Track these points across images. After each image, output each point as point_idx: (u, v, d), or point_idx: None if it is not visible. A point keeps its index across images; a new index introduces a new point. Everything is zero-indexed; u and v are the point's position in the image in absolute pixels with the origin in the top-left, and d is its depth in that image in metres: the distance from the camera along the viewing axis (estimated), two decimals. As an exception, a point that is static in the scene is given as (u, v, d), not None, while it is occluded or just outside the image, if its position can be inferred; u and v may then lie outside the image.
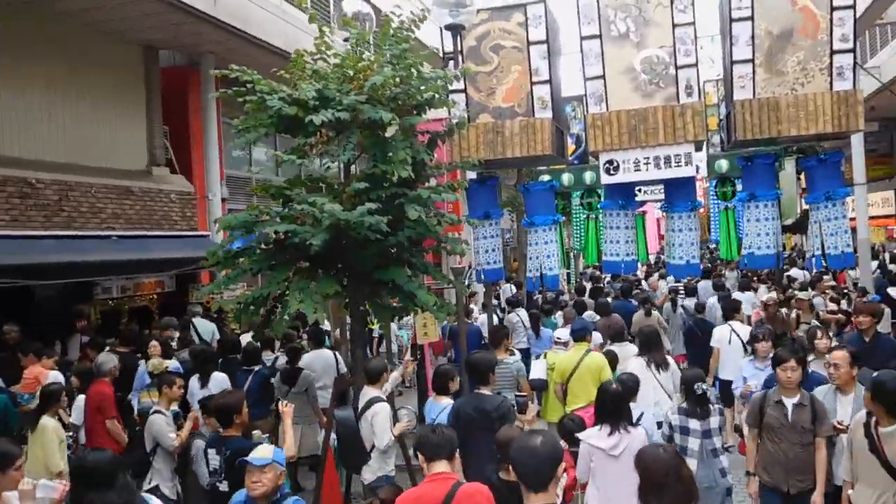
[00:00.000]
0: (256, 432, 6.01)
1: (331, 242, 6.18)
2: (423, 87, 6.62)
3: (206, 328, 10.76)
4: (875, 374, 4.87)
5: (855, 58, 8.06)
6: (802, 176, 20.03)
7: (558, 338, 8.37)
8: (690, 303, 12.10)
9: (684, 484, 3.13)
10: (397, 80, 6.65)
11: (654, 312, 11.06)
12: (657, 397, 6.85)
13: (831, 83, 8.05)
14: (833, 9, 7.98)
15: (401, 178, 6.28)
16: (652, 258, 19.54)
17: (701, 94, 8.69)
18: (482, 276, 9.68)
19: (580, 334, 7.73)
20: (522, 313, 11.60)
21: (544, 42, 8.74)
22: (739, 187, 13.78)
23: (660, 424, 5.93)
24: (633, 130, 8.50)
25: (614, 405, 5.02)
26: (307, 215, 6.16)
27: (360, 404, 6.25)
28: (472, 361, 6.13)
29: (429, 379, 8.83)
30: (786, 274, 14.06)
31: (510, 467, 4.06)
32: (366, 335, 12.29)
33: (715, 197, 13.80)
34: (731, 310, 9.35)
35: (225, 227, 6.49)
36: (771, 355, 6.34)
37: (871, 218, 18.71)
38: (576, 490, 5.24)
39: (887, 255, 20.64)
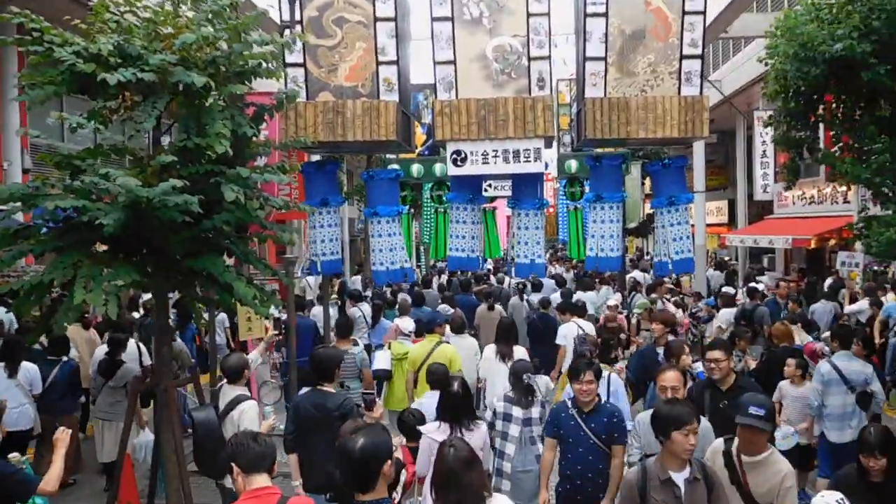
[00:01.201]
0: (14, 455, 5.01)
1: (130, 223, 5.30)
2: (246, 53, 5.82)
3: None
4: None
5: (703, 64, 8.04)
6: (647, 181, 20.86)
7: (404, 329, 8.50)
8: (536, 298, 12.41)
9: (461, 490, 3.22)
10: (221, 42, 5.84)
11: (497, 307, 11.25)
12: (507, 383, 6.96)
13: (679, 88, 8.00)
14: (685, 13, 7.92)
15: (218, 154, 5.49)
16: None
17: (553, 89, 8.38)
18: (318, 268, 8.96)
19: (430, 326, 7.93)
20: (365, 307, 11.25)
21: (392, 19, 8.13)
22: (588, 189, 13.87)
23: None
24: (483, 121, 8.08)
25: (454, 406, 5.10)
26: (102, 190, 5.25)
27: (221, 403, 5.79)
28: (317, 357, 5.76)
29: (253, 380, 8.03)
30: (628, 276, 14.26)
31: None
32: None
33: (564, 197, 13.74)
34: (567, 309, 9.57)
35: (-7, 198, 5.42)
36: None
37: (707, 226, 19.61)
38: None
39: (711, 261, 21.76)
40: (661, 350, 7.18)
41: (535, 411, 5.75)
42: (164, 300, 6.29)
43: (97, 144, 6.16)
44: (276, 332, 7.17)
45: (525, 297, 13.21)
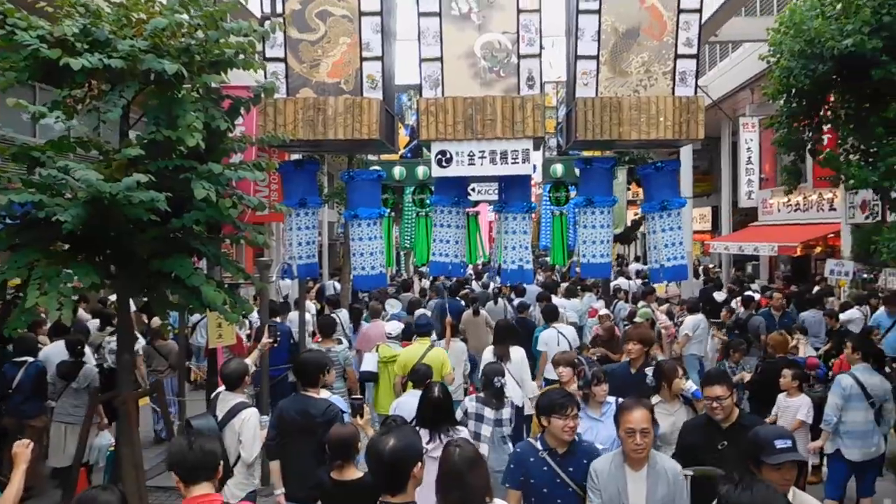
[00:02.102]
0: None
1: (92, 221, 4.94)
2: (222, 41, 5.46)
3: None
4: None
5: (698, 64, 7.77)
6: (632, 186, 20.63)
7: (389, 332, 8.30)
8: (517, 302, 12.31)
9: (465, 489, 3.19)
10: (196, 30, 5.47)
11: (482, 312, 11.14)
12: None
13: (673, 88, 7.72)
14: (680, 11, 7.65)
15: (189, 148, 5.13)
16: (481, 261, 19.27)
17: (542, 89, 8.07)
18: (294, 272, 8.57)
19: (427, 329, 7.82)
20: (343, 313, 10.95)
21: (378, 14, 7.79)
22: (573, 193, 13.61)
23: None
24: (469, 120, 7.75)
25: (433, 412, 5.02)
26: (61, 184, 4.87)
27: (219, 411, 5.41)
28: (301, 362, 5.60)
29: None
30: (612, 283, 13.97)
31: (342, 466, 4.16)
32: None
33: (548, 201, 13.44)
34: (550, 316, 9.30)
35: (-57, 193, 5.00)
36: (609, 400, 5.29)
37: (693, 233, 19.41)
38: None
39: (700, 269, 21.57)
40: (636, 370, 6.20)
41: (506, 412, 5.85)
42: (127, 304, 5.91)
43: (61, 136, 5.75)
44: (271, 339, 6.81)
45: (505, 300, 13.17)
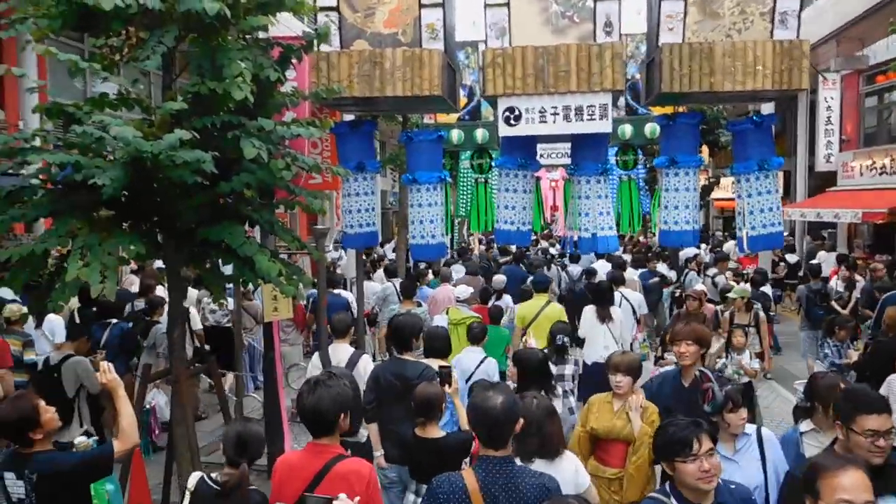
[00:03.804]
0: (81, 439, 4.35)
1: (135, 185, 4.47)
2: (271, -21, 4.87)
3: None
4: None
5: (802, 2, 6.88)
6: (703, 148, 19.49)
7: (458, 296, 8.32)
8: (574, 269, 11.88)
9: (543, 437, 3.55)
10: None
11: None
12: (606, 342, 7.31)
13: (772, 31, 6.86)
14: (781, -59, 6.77)
15: (237, 102, 4.58)
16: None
17: (621, 36, 7.29)
18: (351, 241, 8.03)
19: (543, 286, 8.06)
20: (399, 282, 10.53)
21: (439, -45, 7.10)
22: (642, 157, 12.82)
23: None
24: (541, 72, 7.03)
25: (540, 372, 5.06)
26: (98, 142, 4.37)
27: (338, 359, 5.79)
28: (395, 325, 5.53)
29: (278, 362, 7.18)
30: (681, 253, 13.08)
31: (425, 424, 4.24)
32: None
33: (615, 165, 12.64)
34: (616, 281, 9.03)
35: (-29, 153, 4.55)
36: (748, 432, 3.76)
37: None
38: None
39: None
40: (689, 382, 4.52)
41: (568, 369, 6.28)
42: (178, 277, 5.42)
43: (102, 93, 5.24)
44: None
45: (558, 267, 12.81)
